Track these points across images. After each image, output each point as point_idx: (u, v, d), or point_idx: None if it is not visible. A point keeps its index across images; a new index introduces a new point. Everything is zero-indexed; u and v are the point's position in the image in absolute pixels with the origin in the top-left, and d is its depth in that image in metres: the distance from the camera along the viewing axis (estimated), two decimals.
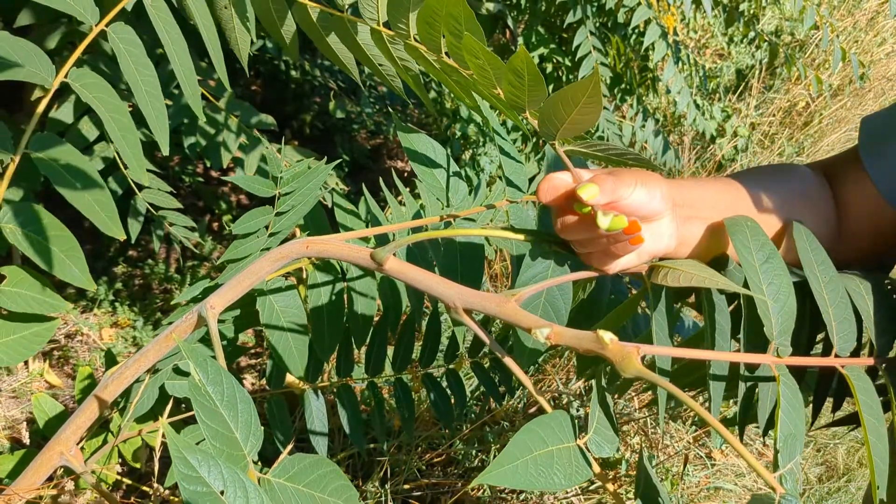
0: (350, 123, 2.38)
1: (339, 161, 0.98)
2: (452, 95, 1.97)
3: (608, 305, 0.72)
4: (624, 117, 2.32)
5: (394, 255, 0.58)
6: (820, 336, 0.63)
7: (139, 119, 0.82)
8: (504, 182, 0.68)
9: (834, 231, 0.66)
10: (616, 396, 1.63)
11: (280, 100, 2.29)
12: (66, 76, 0.74)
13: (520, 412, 1.80)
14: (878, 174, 0.63)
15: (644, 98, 2.18)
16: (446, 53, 0.66)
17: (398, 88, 0.83)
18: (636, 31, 1.94)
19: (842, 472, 2.01)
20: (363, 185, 1.00)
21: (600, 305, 0.72)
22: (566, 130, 0.55)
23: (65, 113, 1.26)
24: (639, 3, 1.71)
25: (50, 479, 0.70)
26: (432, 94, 2.14)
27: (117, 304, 1.83)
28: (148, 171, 1.36)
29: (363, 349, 0.94)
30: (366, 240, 0.82)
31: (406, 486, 1.60)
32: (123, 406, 0.93)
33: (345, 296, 0.87)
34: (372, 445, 1.62)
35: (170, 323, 0.87)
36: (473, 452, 1.71)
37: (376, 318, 0.91)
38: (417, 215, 0.89)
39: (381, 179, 0.97)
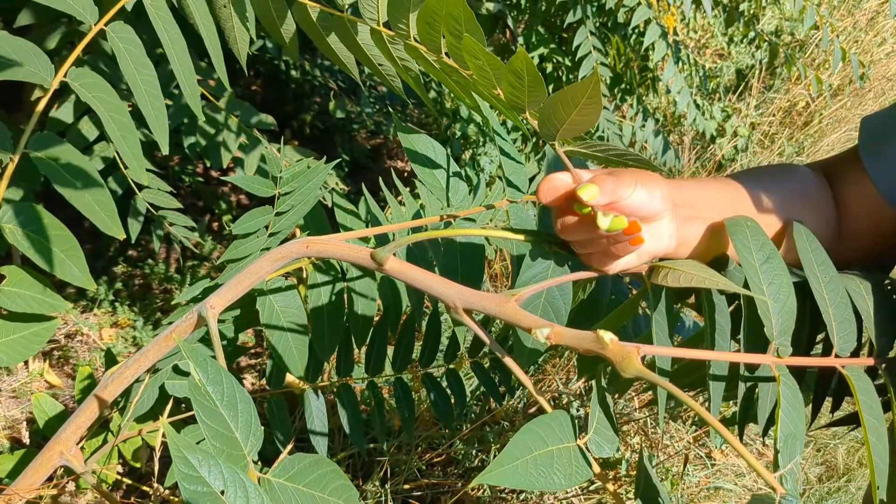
0: (350, 123, 2.38)
1: (338, 161, 0.98)
2: (452, 95, 1.98)
3: (608, 306, 0.72)
4: (624, 117, 2.32)
5: (394, 255, 0.58)
6: (820, 336, 0.63)
7: (139, 119, 0.82)
8: (504, 182, 0.68)
9: (834, 231, 0.66)
10: (616, 396, 1.63)
11: (280, 100, 2.29)
12: (65, 76, 0.74)
13: (520, 412, 1.80)
14: (878, 174, 0.63)
15: (644, 98, 2.18)
16: (446, 54, 0.65)
17: (398, 88, 0.83)
18: (636, 31, 1.94)
19: (842, 472, 2.01)
20: (363, 185, 1.00)
21: (600, 306, 0.72)
22: (566, 131, 0.55)
23: (65, 113, 1.26)
24: (639, 3, 1.71)
25: (50, 478, 0.70)
26: (432, 94, 2.14)
27: (117, 303, 1.83)
28: (148, 170, 1.36)
29: (363, 349, 0.94)
30: (366, 240, 0.82)
31: (406, 486, 1.60)
32: (123, 406, 0.93)
33: (345, 296, 0.87)
34: (372, 445, 1.62)
35: (170, 323, 0.87)
36: (473, 452, 1.71)
37: (376, 318, 0.91)
38: (417, 215, 0.89)
39: (381, 179, 0.97)
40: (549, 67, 1.96)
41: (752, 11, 2.12)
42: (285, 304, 0.83)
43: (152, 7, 0.76)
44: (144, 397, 0.87)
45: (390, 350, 0.98)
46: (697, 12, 2.57)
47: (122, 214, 0.81)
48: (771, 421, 0.58)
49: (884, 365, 0.58)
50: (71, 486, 1.35)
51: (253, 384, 1.79)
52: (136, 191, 1.33)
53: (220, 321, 0.88)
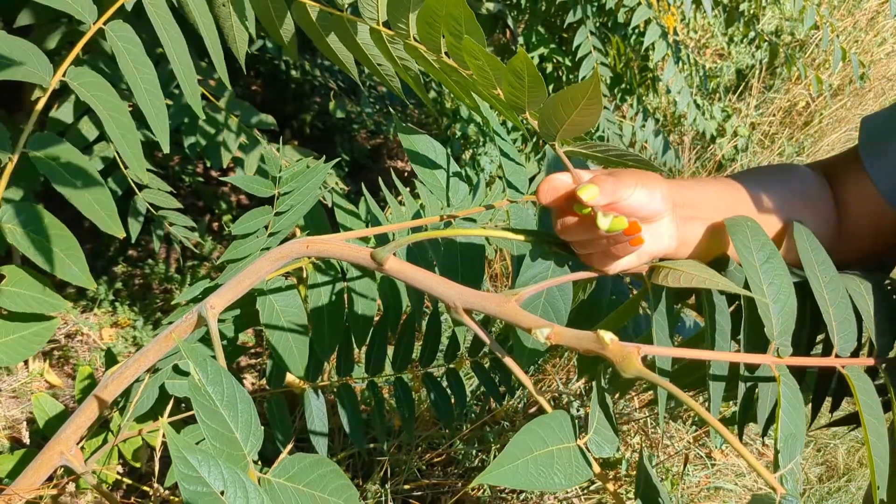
0: (350, 123, 2.38)
1: (338, 160, 0.98)
2: (452, 95, 1.97)
3: (609, 306, 0.72)
4: (624, 117, 2.32)
5: (394, 254, 0.58)
6: (820, 336, 0.63)
7: (139, 118, 0.82)
8: (504, 182, 0.68)
9: (834, 231, 0.66)
10: (616, 397, 1.63)
11: (280, 100, 2.29)
12: (64, 75, 0.74)
13: (520, 412, 1.80)
14: (878, 174, 0.63)
15: (644, 98, 2.18)
16: (446, 53, 0.65)
17: (397, 88, 0.83)
18: (636, 31, 1.94)
19: (842, 472, 2.01)
20: (363, 185, 1.00)
21: (600, 306, 0.72)
22: (566, 131, 0.54)
23: (64, 113, 1.25)
24: (639, 3, 1.71)
25: (50, 478, 0.70)
26: (432, 94, 2.14)
27: (117, 303, 1.83)
28: (148, 170, 1.35)
29: (363, 349, 0.94)
30: (366, 240, 0.82)
31: (406, 486, 1.60)
32: (123, 406, 0.93)
33: (345, 296, 0.87)
34: (372, 445, 1.62)
35: (170, 323, 0.87)
36: (473, 452, 1.71)
37: (376, 318, 0.91)
38: (417, 215, 0.89)
39: (380, 179, 0.97)
40: (549, 67, 1.96)
41: (752, 11, 2.12)
42: (285, 303, 0.83)
43: (152, 6, 0.76)
44: (144, 397, 0.87)
45: (390, 350, 0.98)
46: (697, 12, 2.57)
47: (122, 214, 0.81)
48: (771, 421, 0.58)
49: (884, 365, 0.58)
50: (71, 486, 1.35)
51: (253, 384, 1.79)
52: (136, 191, 1.33)
53: (220, 321, 0.88)
